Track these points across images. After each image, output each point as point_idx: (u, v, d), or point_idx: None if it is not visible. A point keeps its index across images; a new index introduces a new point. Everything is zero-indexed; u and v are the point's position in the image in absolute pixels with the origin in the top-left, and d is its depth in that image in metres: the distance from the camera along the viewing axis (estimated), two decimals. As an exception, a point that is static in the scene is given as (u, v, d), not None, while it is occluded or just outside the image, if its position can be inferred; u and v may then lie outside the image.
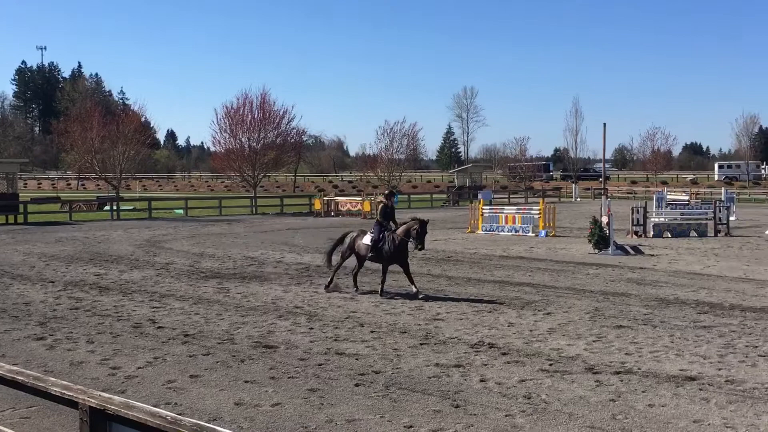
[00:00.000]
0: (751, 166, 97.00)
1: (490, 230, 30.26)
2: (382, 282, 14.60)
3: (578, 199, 67.52)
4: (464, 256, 21.78)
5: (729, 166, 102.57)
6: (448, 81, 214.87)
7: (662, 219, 30.06)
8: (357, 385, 8.40)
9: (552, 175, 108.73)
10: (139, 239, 27.88)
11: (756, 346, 10.15)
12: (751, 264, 19.50)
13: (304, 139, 75.15)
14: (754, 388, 8.21)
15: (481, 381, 8.55)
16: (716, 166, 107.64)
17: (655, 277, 17.02)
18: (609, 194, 35.43)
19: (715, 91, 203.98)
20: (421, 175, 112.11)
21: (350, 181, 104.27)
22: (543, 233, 28.56)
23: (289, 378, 8.71)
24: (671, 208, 33.57)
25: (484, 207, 32.25)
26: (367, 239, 14.76)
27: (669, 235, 27.77)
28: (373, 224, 15.07)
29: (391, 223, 14.83)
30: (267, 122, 56.55)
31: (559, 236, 28.31)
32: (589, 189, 75.93)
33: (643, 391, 8.12)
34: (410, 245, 14.40)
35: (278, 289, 15.61)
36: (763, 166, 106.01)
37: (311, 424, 7.10)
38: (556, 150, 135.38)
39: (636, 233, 27.80)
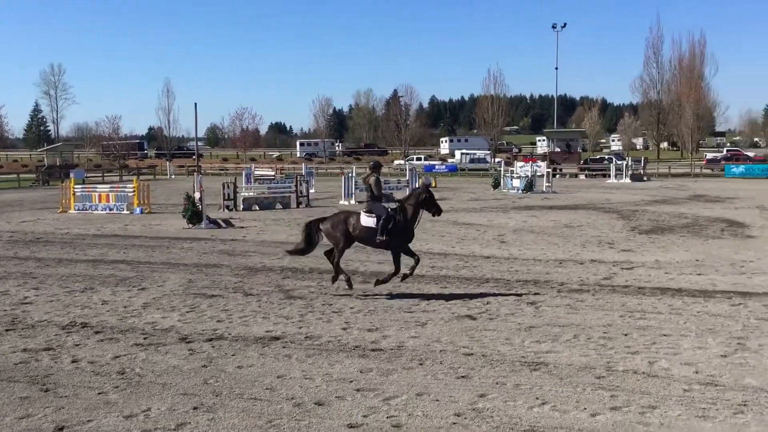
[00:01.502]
0: (327, 143, 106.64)
1: (83, 209, 29.27)
2: (414, 265, 12.08)
3: (173, 177, 67.55)
4: (56, 237, 20.68)
5: (309, 144, 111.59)
6: (34, 57, 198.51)
7: (251, 193, 31.71)
8: (-70, 381, 7.69)
9: (147, 153, 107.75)
10: None
11: (331, 304, 11.40)
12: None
13: None
14: (329, 342, 9.27)
15: (73, 362, 8.39)
16: (298, 144, 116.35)
17: (245, 248, 17.99)
18: (202, 171, 36.13)
19: (295, 76, 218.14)
20: (7, 155, 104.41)
21: None
22: (138, 210, 28.31)
23: None
24: (259, 183, 35.74)
25: (76, 186, 30.89)
26: (367, 221, 11.91)
27: (257, 208, 29.43)
28: (369, 203, 12.12)
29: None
30: None
31: (155, 213, 28.26)
32: (183, 166, 76.44)
33: (233, 355, 8.69)
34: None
35: None
36: (337, 144, 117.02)
37: None
38: (151, 128, 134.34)
39: (227, 207, 28.94)
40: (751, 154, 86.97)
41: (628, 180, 50.43)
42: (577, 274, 14.03)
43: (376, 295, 12.04)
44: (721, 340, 9.18)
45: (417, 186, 12.23)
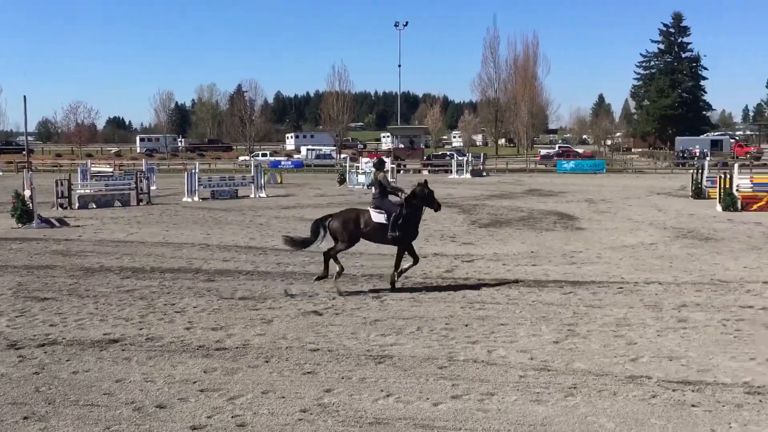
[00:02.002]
0: (168, 139, 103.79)
1: None
2: (404, 266, 12.22)
3: (1, 174, 63.55)
4: None
5: (150, 139, 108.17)
6: None
7: (88, 191, 30.34)
8: None
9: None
10: None
11: (173, 304, 11.09)
12: (170, 229, 20.96)
13: None
14: (171, 342, 9.01)
15: None
16: (138, 139, 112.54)
17: (81, 248, 17.16)
18: (33, 168, 34.21)
19: (135, 69, 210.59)
20: None
21: None
22: (-42, 210, 26.39)
23: None
24: (96, 180, 34.13)
25: None
26: (378, 217, 11.82)
27: (94, 206, 28.16)
28: (378, 199, 12.07)
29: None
30: None
31: (-23, 212, 26.43)
32: (12, 162, 72.08)
33: (67, 360, 8.27)
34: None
35: None
36: (179, 139, 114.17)
37: None
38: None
39: (62, 206, 27.48)
40: (580, 150, 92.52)
41: (468, 175, 52.17)
42: (420, 268, 14.36)
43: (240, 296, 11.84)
44: (553, 327, 9.70)
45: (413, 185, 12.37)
